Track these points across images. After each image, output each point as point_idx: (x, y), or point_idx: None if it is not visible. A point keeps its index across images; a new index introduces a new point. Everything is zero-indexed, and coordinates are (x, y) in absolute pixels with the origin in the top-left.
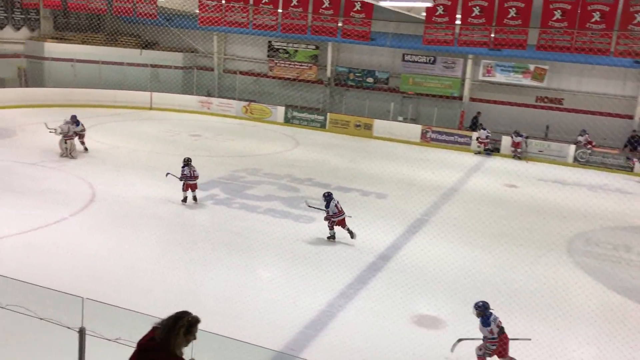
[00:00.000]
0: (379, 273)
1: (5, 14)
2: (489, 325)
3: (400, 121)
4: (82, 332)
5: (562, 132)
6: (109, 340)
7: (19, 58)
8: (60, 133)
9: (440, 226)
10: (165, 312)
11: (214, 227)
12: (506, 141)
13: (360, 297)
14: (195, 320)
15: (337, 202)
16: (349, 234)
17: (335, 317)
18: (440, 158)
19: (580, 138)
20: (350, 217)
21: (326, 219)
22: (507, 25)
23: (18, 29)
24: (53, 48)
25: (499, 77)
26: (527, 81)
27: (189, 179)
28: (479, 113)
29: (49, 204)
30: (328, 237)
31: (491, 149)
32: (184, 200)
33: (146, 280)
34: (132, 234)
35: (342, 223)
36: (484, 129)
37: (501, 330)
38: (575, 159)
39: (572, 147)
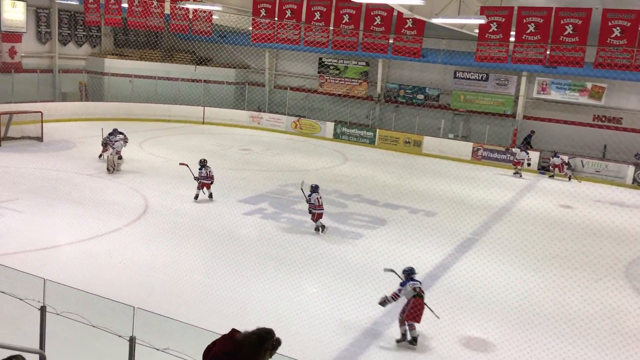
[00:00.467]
0: (426, 292)
1: (69, 31)
2: (404, 285)
3: (450, 138)
4: (132, 341)
5: (620, 153)
6: (158, 350)
7: (80, 73)
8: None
9: (490, 246)
10: (213, 324)
11: (261, 241)
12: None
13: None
14: (279, 343)
15: (320, 197)
16: (319, 228)
17: (381, 335)
18: (491, 176)
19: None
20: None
21: (309, 210)
22: (564, 42)
23: (80, 45)
24: (113, 64)
25: (555, 95)
26: (584, 99)
27: (204, 179)
28: (532, 132)
29: (104, 215)
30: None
31: (519, 171)
32: (196, 197)
33: (195, 292)
34: (182, 246)
35: (318, 217)
36: (525, 150)
37: (419, 295)
38: (634, 180)
39: (631, 167)
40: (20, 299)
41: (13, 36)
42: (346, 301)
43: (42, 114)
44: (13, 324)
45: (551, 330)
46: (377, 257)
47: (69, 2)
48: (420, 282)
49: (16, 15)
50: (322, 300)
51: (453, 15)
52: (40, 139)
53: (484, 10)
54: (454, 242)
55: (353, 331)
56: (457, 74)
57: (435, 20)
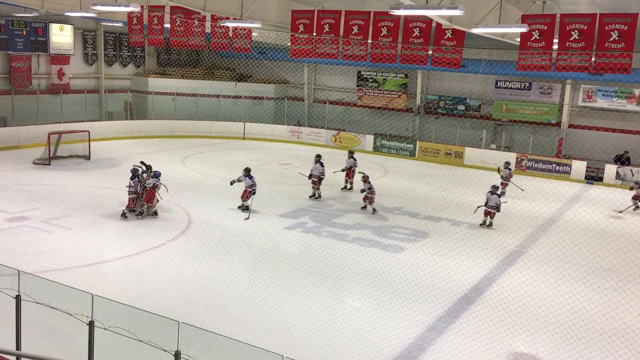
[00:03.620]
0: (471, 307)
1: (114, 52)
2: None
3: (493, 149)
4: (177, 356)
5: None
6: None
7: (125, 93)
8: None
9: (537, 259)
10: (256, 339)
11: (303, 255)
12: (609, 170)
13: (451, 332)
14: None
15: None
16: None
17: (425, 351)
18: (536, 187)
19: None
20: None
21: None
22: (609, 48)
23: (125, 65)
24: (156, 83)
25: (601, 102)
26: (632, 106)
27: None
28: (626, 152)
29: (149, 230)
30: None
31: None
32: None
33: (238, 306)
34: (225, 261)
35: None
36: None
37: None
38: None
39: None
40: (70, 314)
41: (61, 58)
42: (389, 316)
43: (89, 133)
44: (63, 338)
45: (604, 346)
46: (420, 271)
47: (114, 24)
48: None
49: (64, 38)
50: (365, 314)
51: (493, 25)
52: (87, 157)
53: (525, 19)
54: (499, 255)
55: (397, 346)
56: (499, 84)
57: (475, 30)
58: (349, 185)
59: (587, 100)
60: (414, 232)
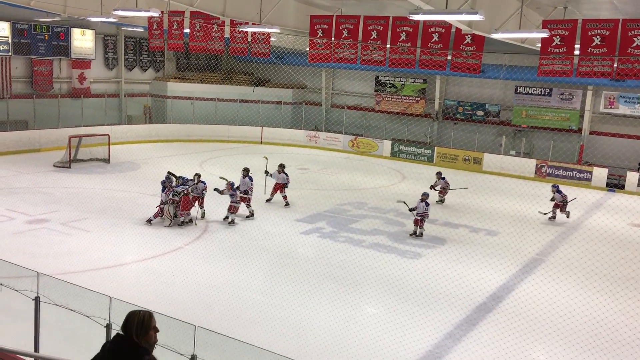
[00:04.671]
0: (489, 315)
1: (134, 57)
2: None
3: (512, 155)
4: (193, 359)
5: None
6: None
7: (145, 97)
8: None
9: (557, 267)
10: (272, 344)
11: (319, 260)
12: (632, 177)
13: (469, 340)
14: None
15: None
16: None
17: (441, 359)
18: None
19: None
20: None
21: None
22: (632, 54)
23: (145, 70)
24: (175, 87)
25: (623, 109)
26: None
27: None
28: None
29: (166, 234)
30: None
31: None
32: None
33: (254, 311)
34: (242, 265)
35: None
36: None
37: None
38: None
39: None
40: (87, 316)
41: (82, 63)
42: (406, 323)
43: (109, 136)
44: (81, 341)
45: (626, 357)
46: (437, 278)
47: (134, 29)
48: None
49: (85, 43)
50: (382, 320)
51: (514, 30)
52: (107, 160)
53: (546, 24)
54: (518, 263)
55: (413, 354)
56: (519, 89)
57: (495, 35)
58: (272, 199)
59: (609, 106)
60: (431, 238)
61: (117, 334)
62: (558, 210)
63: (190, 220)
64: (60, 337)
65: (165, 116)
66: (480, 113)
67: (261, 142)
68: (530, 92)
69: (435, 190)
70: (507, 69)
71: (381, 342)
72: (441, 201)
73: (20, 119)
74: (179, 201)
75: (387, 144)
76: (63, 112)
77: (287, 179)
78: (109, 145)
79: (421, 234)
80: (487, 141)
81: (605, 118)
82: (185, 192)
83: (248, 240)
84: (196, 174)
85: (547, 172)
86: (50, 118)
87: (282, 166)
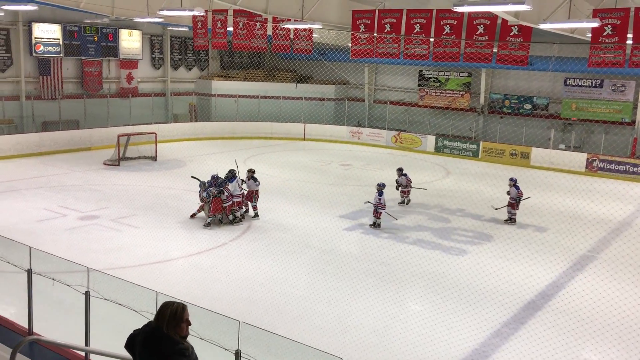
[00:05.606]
0: (538, 312)
1: (179, 56)
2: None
3: (562, 149)
4: (237, 355)
5: None
6: None
7: (190, 95)
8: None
9: (610, 264)
10: (315, 340)
11: (363, 256)
12: None
13: (517, 338)
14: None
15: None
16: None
17: (489, 357)
18: (609, 189)
19: None
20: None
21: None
22: None
23: (190, 69)
24: (219, 85)
25: None
26: None
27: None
28: None
29: (212, 230)
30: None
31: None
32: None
33: (298, 307)
34: (285, 261)
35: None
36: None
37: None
38: None
39: None
40: (135, 311)
41: (130, 63)
42: (452, 320)
43: (156, 135)
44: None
45: None
46: (484, 275)
47: (179, 28)
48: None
49: (133, 43)
50: (426, 318)
51: (563, 20)
52: (154, 158)
53: (596, 13)
54: (568, 260)
55: (460, 352)
56: (568, 81)
57: (543, 26)
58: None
59: None
60: (477, 234)
61: (147, 323)
62: (512, 209)
63: (235, 219)
64: (108, 331)
65: (210, 114)
66: (527, 106)
67: (304, 139)
68: (580, 83)
69: (398, 189)
70: (556, 61)
71: (426, 340)
72: (403, 202)
73: (71, 119)
74: (210, 203)
75: (431, 139)
76: (112, 111)
77: (257, 185)
78: (155, 143)
79: (379, 225)
80: (535, 135)
81: None
82: (213, 194)
83: (291, 236)
84: (249, 170)
85: (599, 166)
86: (100, 117)
87: (251, 171)
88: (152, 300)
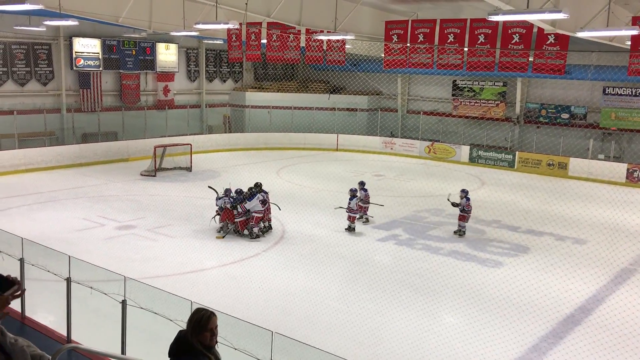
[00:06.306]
0: (578, 327)
1: (214, 69)
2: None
3: (601, 159)
4: None
5: None
6: None
7: (224, 107)
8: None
9: None
10: (349, 351)
11: (396, 267)
12: None
13: (556, 353)
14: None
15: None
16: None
17: None
18: None
19: None
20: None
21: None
22: None
23: (224, 81)
24: (253, 97)
25: None
26: None
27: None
28: None
29: (245, 240)
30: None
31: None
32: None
33: (331, 317)
34: (318, 272)
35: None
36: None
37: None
38: None
39: None
40: (170, 320)
41: (167, 76)
42: (487, 334)
43: (191, 146)
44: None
45: None
46: (521, 287)
47: (214, 41)
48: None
49: (169, 56)
50: (461, 331)
51: (601, 28)
52: (189, 169)
53: (636, 21)
54: (608, 273)
55: None
56: (607, 90)
57: (580, 34)
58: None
59: None
60: (513, 246)
61: (180, 330)
62: (461, 222)
63: (258, 234)
64: (144, 339)
65: (244, 125)
66: (565, 116)
67: (337, 149)
68: (619, 92)
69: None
70: (594, 69)
71: (461, 353)
72: (361, 218)
73: (110, 130)
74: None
75: (465, 149)
76: (149, 123)
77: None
78: (190, 154)
79: (353, 229)
80: (573, 145)
81: None
82: (223, 206)
83: (324, 247)
84: (256, 184)
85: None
86: (137, 129)
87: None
88: (187, 309)
